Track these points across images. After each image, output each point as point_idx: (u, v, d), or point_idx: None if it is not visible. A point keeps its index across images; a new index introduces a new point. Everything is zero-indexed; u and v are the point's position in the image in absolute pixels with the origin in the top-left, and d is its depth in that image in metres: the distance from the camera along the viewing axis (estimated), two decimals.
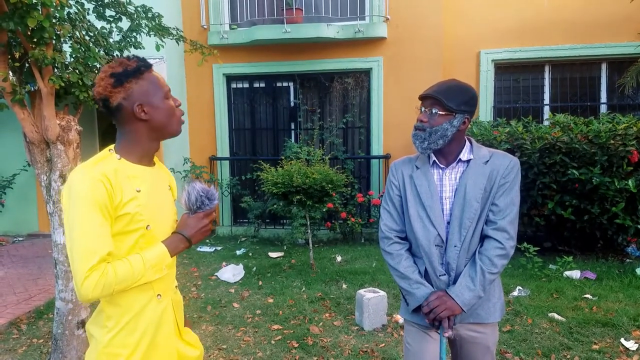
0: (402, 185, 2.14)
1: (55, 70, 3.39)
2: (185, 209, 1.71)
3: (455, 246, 2.02)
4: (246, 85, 8.29)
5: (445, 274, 2.04)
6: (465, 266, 2.03)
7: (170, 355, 1.76)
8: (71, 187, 1.51)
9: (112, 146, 1.67)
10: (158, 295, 1.69)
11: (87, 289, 1.47)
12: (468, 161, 2.06)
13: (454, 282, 2.02)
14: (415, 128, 2.05)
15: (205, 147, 8.25)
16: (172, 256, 1.64)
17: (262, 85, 8.32)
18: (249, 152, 8.45)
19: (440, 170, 2.09)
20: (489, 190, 2.01)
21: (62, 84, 3.27)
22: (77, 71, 3.37)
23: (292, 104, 8.27)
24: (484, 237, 2.05)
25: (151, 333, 1.67)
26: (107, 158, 1.62)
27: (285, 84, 8.28)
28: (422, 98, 2.06)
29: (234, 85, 8.31)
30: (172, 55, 7.42)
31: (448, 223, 2.05)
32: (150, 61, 6.60)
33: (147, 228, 1.62)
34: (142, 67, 1.63)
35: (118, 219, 1.56)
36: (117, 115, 1.62)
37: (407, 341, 2.19)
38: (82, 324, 3.66)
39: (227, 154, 8.26)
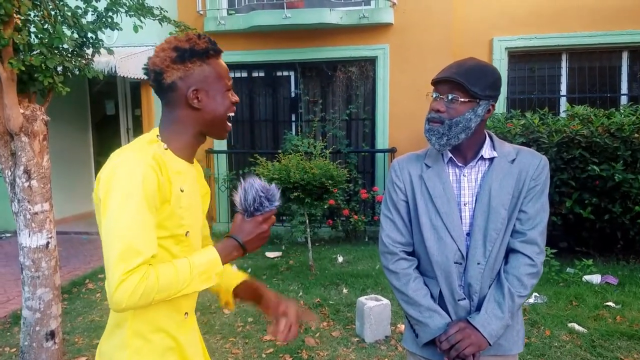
0: (409, 188, 1.75)
1: (20, 53, 3.03)
2: (240, 210, 1.44)
3: (478, 263, 1.64)
4: (245, 74, 7.89)
5: (465, 298, 1.66)
6: (489, 288, 1.66)
7: None
8: (116, 170, 1.26)
9: (156, 130, 1.42)
10: (185, 313, 1.44)
11: (122, 294, 1.18)
12: (491, 159, 1.67)
13: (477, 308, 1.65)
14: (429, 120, 1.65)
15: None
16: (223, 264, 1.36)
17: (262, 74, 7.91)
18: (247, 145, 8.05)
19: (458, 170, 1.70)
20: (517, 196, 1.63)
21: (23, 68, 2.90)
22: (40, 54, 2.99)
23: (292, 95, 7.87)
24: (509, 252, 1.67)
25: (182, 355, 1.42)
26: (156, 144, 1.36)
27: (285, 73, 7.87)
28: (437, 82, 1.65)
29: (231, 75, 7.80)
30: None
31: (468, 235, 1.67)
32: (141, 49, 6.08)
33: (186, 235, 1.38)
34: (210, 51, 1.41)
35: (161, 217, 1.30)
36: (167, 95, 1.39)
37: None
38: (51, 335, 3.31)
39: (224, 147, 7.86)
